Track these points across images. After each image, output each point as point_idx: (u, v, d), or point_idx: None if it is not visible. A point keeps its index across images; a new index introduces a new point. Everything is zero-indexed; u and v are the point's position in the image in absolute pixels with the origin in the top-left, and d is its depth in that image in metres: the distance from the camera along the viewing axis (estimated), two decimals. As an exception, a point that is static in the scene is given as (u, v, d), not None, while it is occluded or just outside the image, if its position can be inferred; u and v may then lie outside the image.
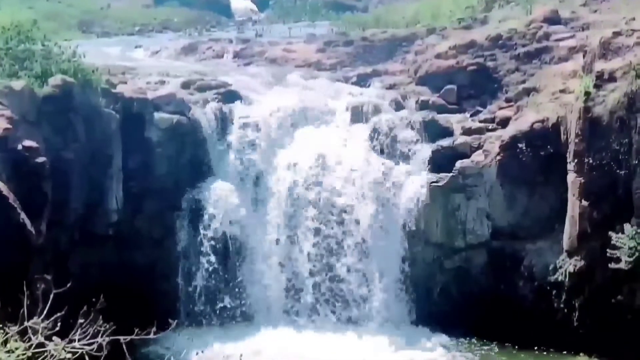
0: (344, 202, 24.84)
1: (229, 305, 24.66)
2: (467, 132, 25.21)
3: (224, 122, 25.68)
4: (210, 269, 24.64)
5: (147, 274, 23.93)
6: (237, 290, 24.77)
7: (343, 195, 24.88)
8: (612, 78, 22.21)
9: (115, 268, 23.49)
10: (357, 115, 26.12)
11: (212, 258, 24.64)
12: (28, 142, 21.34)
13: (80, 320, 7.72)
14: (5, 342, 7.64)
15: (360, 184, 24.86)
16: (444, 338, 23.99)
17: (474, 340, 23.89)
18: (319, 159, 25.16)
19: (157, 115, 24.82)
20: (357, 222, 24.76)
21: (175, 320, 10.15)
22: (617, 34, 23.34)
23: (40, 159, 21.32)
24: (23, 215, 20.31)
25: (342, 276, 24.66)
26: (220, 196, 24.88)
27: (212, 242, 24.69)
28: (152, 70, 29.08)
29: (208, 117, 25.50)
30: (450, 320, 24.22)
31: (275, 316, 24.62)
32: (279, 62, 31.53)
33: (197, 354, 21.07)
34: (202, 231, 24.75)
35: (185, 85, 27.05)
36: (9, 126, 21.01)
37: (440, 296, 24.80)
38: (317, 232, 24.79)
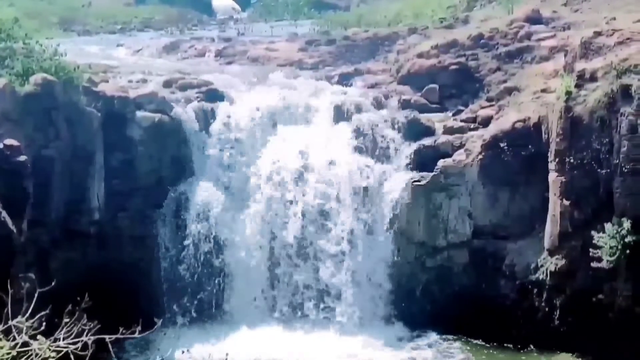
0: (326, 201, 24.83)
1: (212, 304, 24.65)
2: (449, 131, 25.27)
3: (206, 120, 25.62)
4: (193, 267, 24.59)
5: (129, 273, 23.85)
6: (220, 289, 24.75)
7: (325, 193, 24.86)
8: (593, 78, 22.29)
9: (97, 266, 23.40)
10: (340, 114, 26.11)
11: (195, 257, 24.59)
12: (9, 141, 21.25)
13: (66, 319, 7.68)
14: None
15: (342, 182, 24.85)
16: (425, 336, 24.09)
17: (455, 338, 23.96)
18: (302, 158, 25.14)
19: (139, 113, 24.76)
20: (339, 221, 24.76)
21: (161, 320, 10.12)
22: (598, 33, 23.41)
23: (22, 158, 21.24)
24: (4, 214, 20.26)
25: (324, 275, 24.65)
26: (202, 194, 24.84)
27: (195, 241, 24.64)
28: (134, 69, 28.99)
29: (190, 116, 25.43)
30: (432, 319, 24.33)
31: (259, 315, 24.62)
32: (261, 61, 31.49)
33: (182, 352, 21.03)
34: (184, 229, 24.71)
35: (167, 84, 26.98)
36: (-11, 124, 20.96)
37: (422, 295, 24.82)
38: (299, 230, 24.77)
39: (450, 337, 24.04)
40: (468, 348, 23.61)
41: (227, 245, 24.89)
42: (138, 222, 24.57)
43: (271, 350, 23.05)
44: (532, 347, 23.25)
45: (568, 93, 22.30)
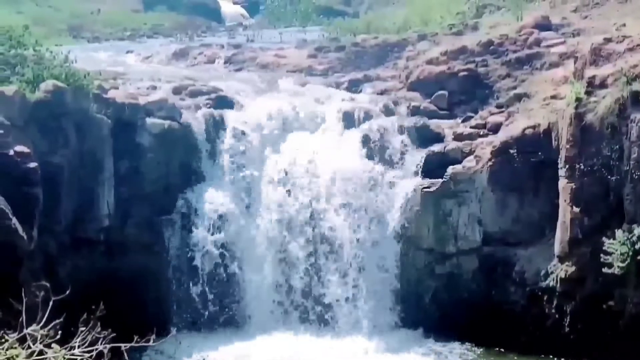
0: (335, 207, 24.82)
1: (221, 311, 24.62)
2: (459, 137, 25.26)
3: (215, 127, 25.64)
4: (202, 274, 24.55)
5: (138, 280, 23.80)
6: (229, 295, 24.72)
7: (334, 200, 24.86)
8: (603, 84, 22.27)
9: (105, 274, 23.34)
10: (349, 120, 26.11)
11: (204, 263, 24.57)
12: (19, 147, 21.25)
13: (81, 328, 7.68)
14: (3, 349, 7.61)
15: (351, 189, 24.85)
16: (435, 343, 24.02)
17: (465, 345, 23.90)
18: (311, 165, 25.16)
19: (149, 120, 24.76)
20: (349, 227, 24.75)
21: (175, 328, 10.11)
22: (607, 40, 23.44)
23: (32, 164, 21.24)
24: (14, 221, 20.24)
25: (333, 281, 24.64)
26: (211, 201, 24.82)
27: (204, 248, 24.62)
28: (143, 76, 29.07)
29: (199, 123, 25.46)
30: (441, 326, 24.26)
31: (268, 322, 24.56)
32: (270, 68, 31.53)
33: (198, 360, 21.04)
34: (193, 236, 24.68)
35: (177, 91, 27.03)
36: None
37: (432, 301, 24.79)
38: (308, 237, 24.76)
39: (459, 343, 23.96)
40: (477, 355, 23.56)
41: (236, 252, 24.87)
42: (146, 229, 24.52)
43: (283, 356, 23.02)
44: (541, 354, 23.16)
45: (578, 100, 22.27)
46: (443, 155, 24.97)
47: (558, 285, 22.97)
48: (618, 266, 21.05)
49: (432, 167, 24.76)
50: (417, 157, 25.09)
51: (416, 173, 24.91)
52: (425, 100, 27.03)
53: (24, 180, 21.07)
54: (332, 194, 24.92)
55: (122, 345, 8.04)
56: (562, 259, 22.87)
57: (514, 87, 26.30)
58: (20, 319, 7.85)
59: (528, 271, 23.71)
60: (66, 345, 7.70)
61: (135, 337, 8.35)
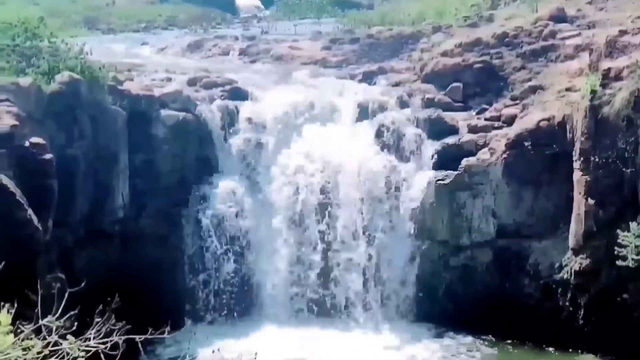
0: (349, 199, 24.83)
1: (236, 303, 24.68)
2: (473, 130, 25.23)
3: (230, 119, 25.71)
4: (217, 266, 24.65)
5: (153, 272, 23.87)
6: (244, 287, 24.79)
7: (348, 192, 24.87)
8: (618, 77, 22.20)
9: (121, 266, 23.39)
10: (363, 112, 26.13)
11: (219, 255, 24.64)
12: (35, 139, 21.27)
13: (97, 319, 7.73)
14: (18, 340, 7.65)
15: (366, 181, 24.86)
16: (449, 335, 24.07)
17: (479, 337, 23.92)
18: (325, 157, 25.16)
19: (164, 112, 24.82)
20: (363, 219, 24.78)
21: (190, 320, 10.15)
22: (623, 32, 23.34)
23: (47, 156, 21.26)
24: (30, 212, 20.27)
25: (347, 272, 24.68)
26: (226, 193, 24.88)
27: (218, 239, 24.68)
28: (158, 68, 29.14)
29: (214, 114, 25.53)
30: (455, 318, 24.29)
31: (282, 314, 24.67)
32: (284, 60, 31.56)
33: (212, 352, 20.98)
34: (208, 228, 24.75)
35: (192, 83, 27.11)
36: (15, 123, 20.98)
37: (446, 294, 24.80)
38: (322, 229, 24.79)
39: (473, 336, 23.98)
40: (491, 347, 23.57)
41: (251, 244, 24.93)
42: (161, 221, 24.58)
43: (297, 348, 23.07)
44: (555, 346, 23.18)
45: (593, 92, 22.21)
46: (457, 147, 24.95)
47: (572, 278, 22.96)
48: (632, 259, 20.97)
49: (447, 160, 24.75)
50: (431, 149, 25.08)
51: (430, 165, 24.90)
52: (439, 92, 26.98)
53: (39, 171, 21.08)
54: (346, 186, 24.91)
55: (137, 337, 8.08)
56: (576, 252, 22.84)
57: (529, 80, 26.23)
58: (36, 311, 7.91)
59: (542, 264, 23.71)
60: (81, 337, 7.75)
61: (150, 329, 8.38)
